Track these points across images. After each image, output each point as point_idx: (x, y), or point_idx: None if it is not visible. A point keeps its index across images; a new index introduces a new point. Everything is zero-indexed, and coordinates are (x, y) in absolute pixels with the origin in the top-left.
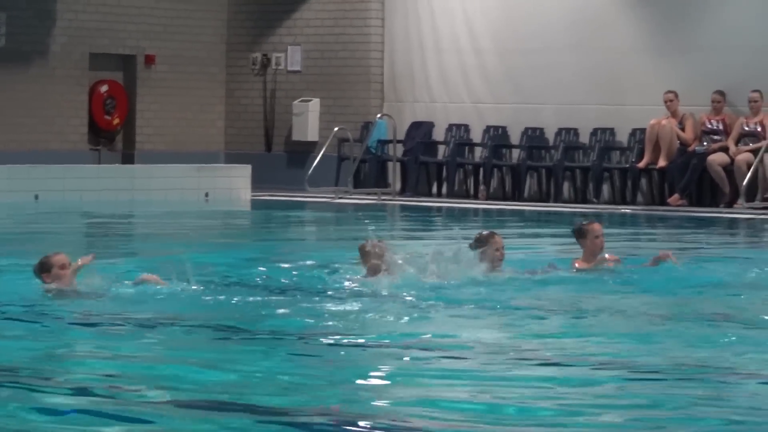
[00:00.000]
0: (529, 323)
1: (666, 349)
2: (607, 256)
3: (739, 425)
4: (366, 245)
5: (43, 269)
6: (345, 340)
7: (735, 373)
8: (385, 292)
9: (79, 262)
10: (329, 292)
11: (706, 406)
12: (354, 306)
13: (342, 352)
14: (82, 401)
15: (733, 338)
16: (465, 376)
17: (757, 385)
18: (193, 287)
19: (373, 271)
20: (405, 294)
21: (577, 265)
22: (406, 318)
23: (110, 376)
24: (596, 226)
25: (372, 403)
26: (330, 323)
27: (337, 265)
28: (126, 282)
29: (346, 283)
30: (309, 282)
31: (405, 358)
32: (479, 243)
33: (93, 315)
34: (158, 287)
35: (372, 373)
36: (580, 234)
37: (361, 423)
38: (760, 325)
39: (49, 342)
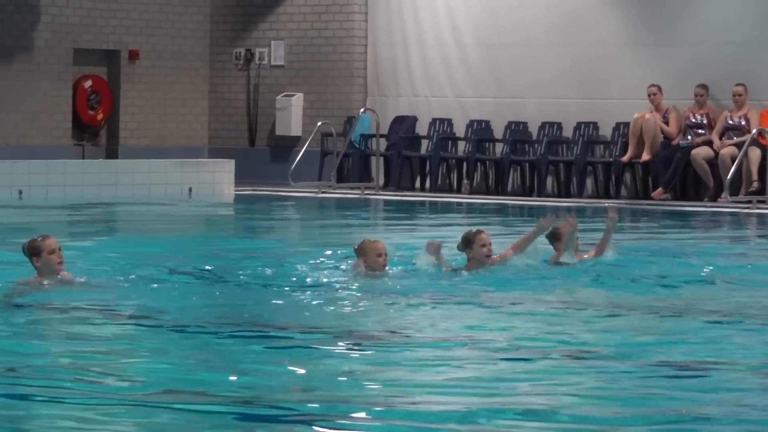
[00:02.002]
0: (504, 318)
1: (651, 344)
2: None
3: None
4: (364, 243)
5: (33, 252)
6: (329, 335)
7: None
8: (377, 288)
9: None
10: (320, 287)
11: (681, 398)
12: (342, 300)
13: (325, 348)
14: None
15: (711, 331)
16: (446, 371)
17: (734, 376)
18: (173, 282)
19: (372, 268)
20: (396, 289)
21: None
22: (392, 313)
23: (91, 370)
24: (566, 227)
25: (351, 397)
26: (317, 318)
27: (327, 261)
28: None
29: (339, 278)
30: (299, 276)
31: (390, 353)
32: (466, 243)
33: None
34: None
35: (356, 367)
36: (554, 237)
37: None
38: (736, 317)
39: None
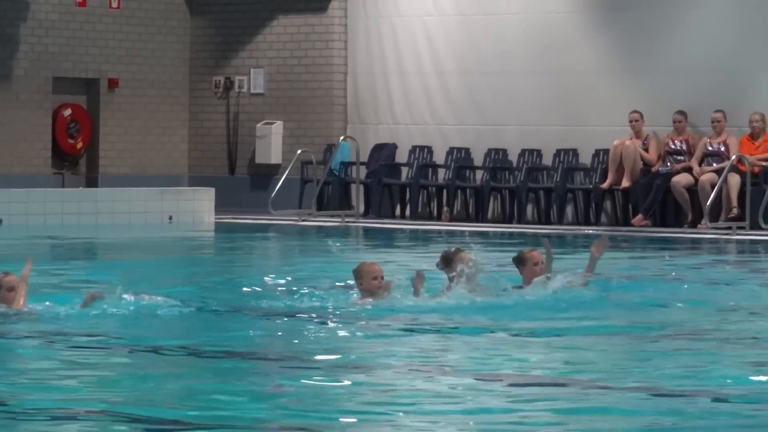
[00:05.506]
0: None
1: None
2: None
3: None
4: (361, 266)
5: None
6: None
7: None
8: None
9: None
10: (313, 314)
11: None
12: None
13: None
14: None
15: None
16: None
17: (711, 402)
18: (158, 309)
19: (367, 291)
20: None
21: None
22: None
23: (68, 399)
24: (536, 253)
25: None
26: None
27: (307, 288)
28: (74, 304)
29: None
30: (286, 303)
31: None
32: (446, 261)
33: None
34: (105, 306)
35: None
36: (520, 261)
37: None
38: (709, 341)
39: None
